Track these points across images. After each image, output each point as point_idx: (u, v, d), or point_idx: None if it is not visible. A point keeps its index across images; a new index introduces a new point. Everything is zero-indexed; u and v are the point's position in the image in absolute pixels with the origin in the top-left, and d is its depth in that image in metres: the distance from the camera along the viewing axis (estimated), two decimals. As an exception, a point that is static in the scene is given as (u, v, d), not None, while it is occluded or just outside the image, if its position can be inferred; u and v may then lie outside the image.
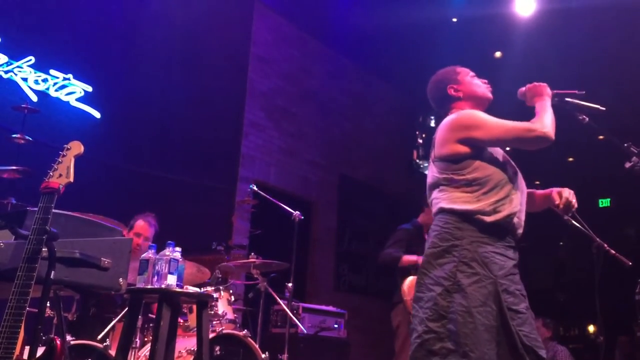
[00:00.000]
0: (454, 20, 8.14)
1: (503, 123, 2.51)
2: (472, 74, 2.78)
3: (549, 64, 8.02)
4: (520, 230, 2.55)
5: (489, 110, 2.69)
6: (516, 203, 2.51)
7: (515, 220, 2.50)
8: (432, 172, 2.63)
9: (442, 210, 2.53)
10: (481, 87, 2.75)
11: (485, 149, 2.54)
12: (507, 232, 2.49)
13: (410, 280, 4.43)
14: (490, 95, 2.75)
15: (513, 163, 2.63)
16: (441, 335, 2.30)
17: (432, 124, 10.82)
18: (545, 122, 2.48)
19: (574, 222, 3.52)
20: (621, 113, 6.96)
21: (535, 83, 2.65)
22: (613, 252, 3.53)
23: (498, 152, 2.61)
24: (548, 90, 2.62)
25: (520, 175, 2.60)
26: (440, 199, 2.55)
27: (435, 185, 2.59)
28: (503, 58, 8.60)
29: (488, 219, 2.44)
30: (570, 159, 10.27)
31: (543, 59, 8.04)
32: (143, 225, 4.39)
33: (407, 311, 4.27)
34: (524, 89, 2.68)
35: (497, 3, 7.47)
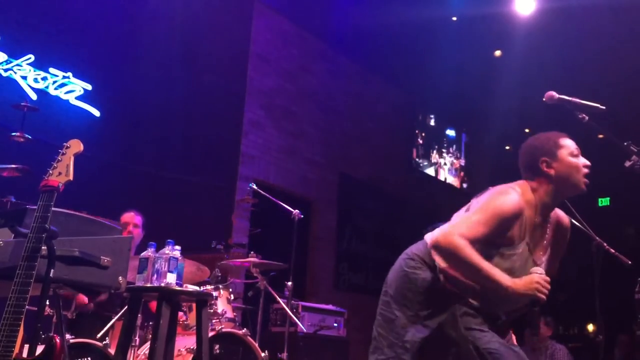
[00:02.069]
0: (454, 19, 8.13)
1: (471, 222, 2.31)
2: (575, 150, 2.46)
3: (548, 62, 8.02)
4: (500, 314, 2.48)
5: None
6: (488, 306, 2.40)
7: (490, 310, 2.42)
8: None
9: (427, 242, 2.47)
10: (579, 173, 2.44)
11: (509, 249, 2.38)
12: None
13: None
14: (583, 187, 2.45)
15: (531, 263, 2.43)
16: None
17: (432, 123, 10.82)
18: (462, 252, 2.25)
19: (573, 221, 3.52)
20: (621, 112, 6.96)
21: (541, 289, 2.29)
22: (612, 251, 3.53)
23: (522, 260, 2.40)
24: (529, 288, 2.28)
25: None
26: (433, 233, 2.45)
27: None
28: (503, 57, 8.59)
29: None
30: (570, 158, 10.24)
31: (543, 58, 8.04)
32: (128, 215, 4.51)
33: None
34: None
35: (497, 2, 7.47)
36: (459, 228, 2.31)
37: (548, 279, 2.31)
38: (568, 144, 2.48)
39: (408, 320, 2.40)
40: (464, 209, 2.50)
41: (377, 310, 2.55)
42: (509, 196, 2.36)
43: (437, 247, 2.33)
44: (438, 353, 2.34)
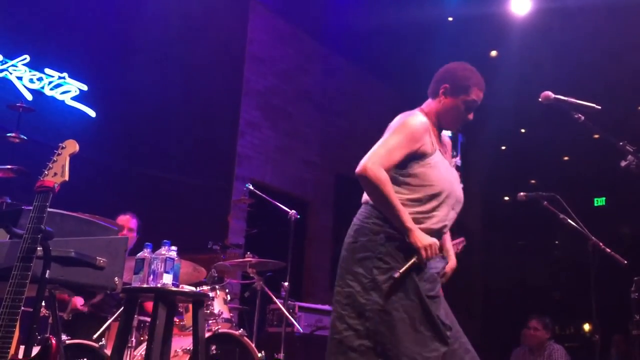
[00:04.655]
0: (450, 19, 8.15)
1: (389, 147, 2.46)
2: (473, 103, 2.60)
3: (544, 62, 8.03)
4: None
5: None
6: (438, 220, 2.49)
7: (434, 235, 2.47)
8: None
9: (366, 202, 2.53)
10: (456, 121, 2.65)
11: (430, 158, 2.51)
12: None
13: None
14: (454, 129, 2.71)
15: (456, 176, 2.65)
16: (360, 333, 2.34)
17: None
18: (385, 189, 2.37)
19: (569, 220, 3.53)
20: (616, 112, 6.98)
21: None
22: (608, 250, 3.55)
23: (444, 164, 2.58)
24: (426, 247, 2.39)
25: (457, 192, 2.58)
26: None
27: None
28: (499, 57, 8.61)
29: None
30: (566, 158, 10.28)
31: (538, 58, 8.06)
32: (124, 218, 4.50)
33: None
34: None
35: (493, 2, 7.48)
36: (380, 156, 2.42)
37: (438, 250, 2.40)
38: (473, 95, 2.58)
39: (363, 288, 2.39)
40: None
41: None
42: (416, 117, 2.55)
43: (365, 177, 2.38)
44: (401, 317, 2.32)
